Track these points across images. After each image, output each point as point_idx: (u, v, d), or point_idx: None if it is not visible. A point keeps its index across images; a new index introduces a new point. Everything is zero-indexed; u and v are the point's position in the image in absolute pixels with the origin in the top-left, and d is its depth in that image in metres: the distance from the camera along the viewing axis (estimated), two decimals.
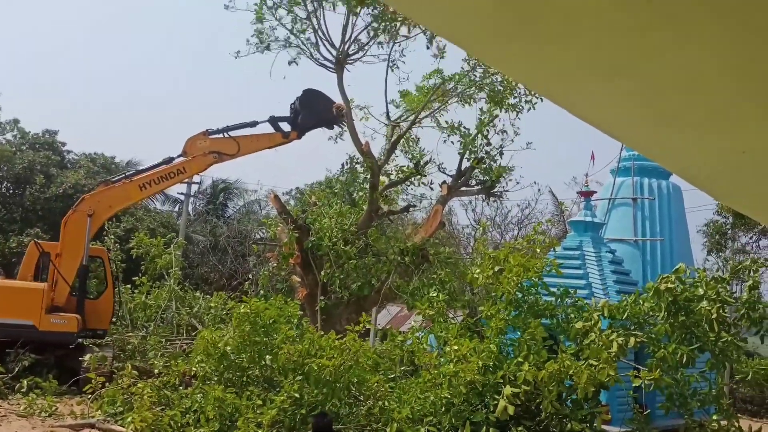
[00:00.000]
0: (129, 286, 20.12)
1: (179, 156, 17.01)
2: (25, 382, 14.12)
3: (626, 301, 10.63)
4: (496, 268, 11.15)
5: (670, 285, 10.05)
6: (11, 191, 32.18)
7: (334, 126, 17.40)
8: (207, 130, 16.99)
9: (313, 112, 17.11)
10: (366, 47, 16.56)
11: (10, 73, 55.30)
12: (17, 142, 33.65)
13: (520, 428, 9.57)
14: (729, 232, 25.26)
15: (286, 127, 17.35)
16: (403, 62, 16.71)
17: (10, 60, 58.03)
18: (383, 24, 16.09)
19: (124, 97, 65.08)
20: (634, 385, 10.08)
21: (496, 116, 16.69)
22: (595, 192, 16.45)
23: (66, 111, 58.39)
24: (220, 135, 17.05)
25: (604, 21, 1.76)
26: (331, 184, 17.98)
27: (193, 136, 16.92)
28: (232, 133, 17.11)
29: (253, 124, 17.23)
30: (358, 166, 17.39)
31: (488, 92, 16.24)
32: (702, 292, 9.99)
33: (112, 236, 20.26)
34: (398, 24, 15.98)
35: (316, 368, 10.12)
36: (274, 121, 17.32)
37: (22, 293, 15.54)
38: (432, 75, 16.61)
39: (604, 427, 10.56)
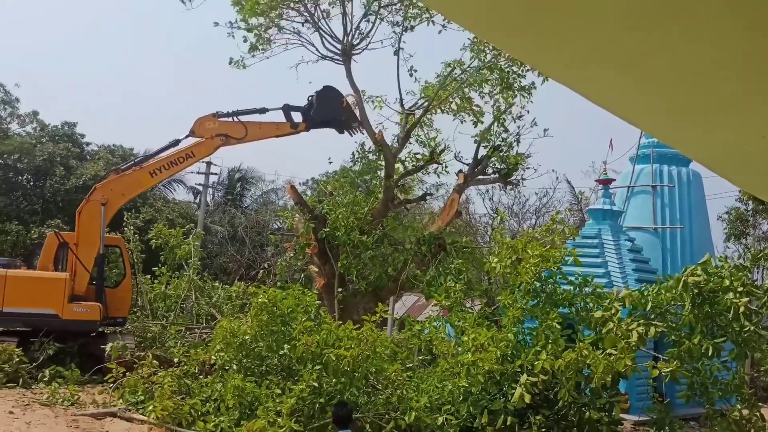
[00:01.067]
0: (149, 276, 20.33)
1: (186, 137, 17.08)
2: (48, 371, 14.34)
3: (648, 291, 10.51)
4: (514, 258, 11.09)
5: (696, 278, 9.91)
6: (32, 183, 32.58)
7: (344, 131, 17.33)
8: (217, 112, 17.04)
9: (328, 109, 17.06)
10: (370, 34, 16.56)
11: (30, 65, 55.86)
12: (37, 135, 34.03)
13: (538, 417, 9.56)
14: (751, 219, 24.98)
15: (297, 117, 17.36)
16: (405, 42, 16.65)
17: (29, 51, 58.60)
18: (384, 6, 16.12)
19: (143, 89, 65.52)
20: (653, 375, 10.02)
21: (512, 104, 16.54)
22: (614, 180, 16.32)
23: (85, 103, 58.93)
24: (229, 119, 17.10)
25: (617, 14, 1.75)
26: (346, 174, 17.98)
27: (202, 117, 16.95)
28: (242, 118, 17.16)
29: (263, 110, 17.23)
30: (370, 155, 17.35)
31: (498, 74, 16.07)
32: (728, 283, 9.85)
33: (132, 227, 20.47)
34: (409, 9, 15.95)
35: (334, 359, 10.17)
36: (287, 109, 17.30)
37: (45, 283, 15.75)
38: (452, 65, 16.47)
39: (622, 415, 10.51)
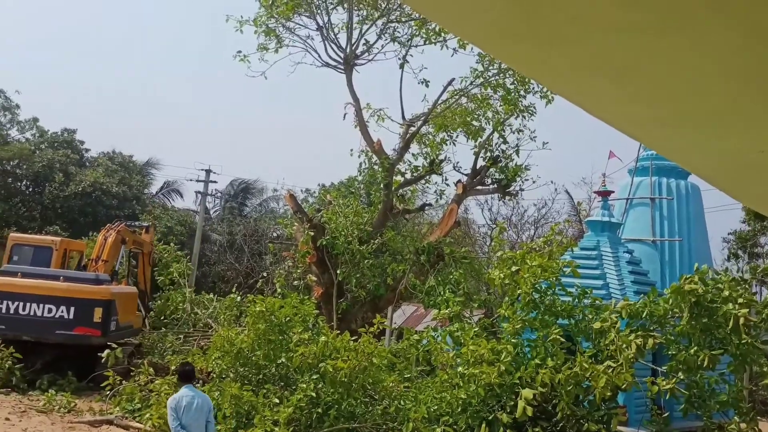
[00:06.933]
0: None
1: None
2: (45, 378, 14.29)
3: (645, 302, 10.47)
4: (513, 268, 11.06)
5: (693, 286, 9.87)
6: (31, 189, 32.59)
7: None
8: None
9: None
10: (374, 46, 16.72)
11: (30, 71, 55.98)
12: (36, 141, 34.06)
13: (536, 429, 9.51)
14: (754, 237, 25.01)
15: None
16: (411, 55, 16.85)
17: (30, 58, 58.75)
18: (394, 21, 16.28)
19: (142, 98, 65.65)
20: (653, 391, 9.98)
21: (512, 115, 16.64)
22: (613, 192, 16.32)
23: (84, 110, 59.03)
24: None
25: (613, 23, 1.76)
26: (349, 184, 18.02)
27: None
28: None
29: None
30: (375, 166, 17.43)
31: (502, 94, 16.20)
32: (727, 294, 9.81)
33: None
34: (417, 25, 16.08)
35: (331, 370, 10.15)
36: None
37: (133, 298, 17.15)
38: (456, 92, 16.70)
39: (620, 428, 10.47)
